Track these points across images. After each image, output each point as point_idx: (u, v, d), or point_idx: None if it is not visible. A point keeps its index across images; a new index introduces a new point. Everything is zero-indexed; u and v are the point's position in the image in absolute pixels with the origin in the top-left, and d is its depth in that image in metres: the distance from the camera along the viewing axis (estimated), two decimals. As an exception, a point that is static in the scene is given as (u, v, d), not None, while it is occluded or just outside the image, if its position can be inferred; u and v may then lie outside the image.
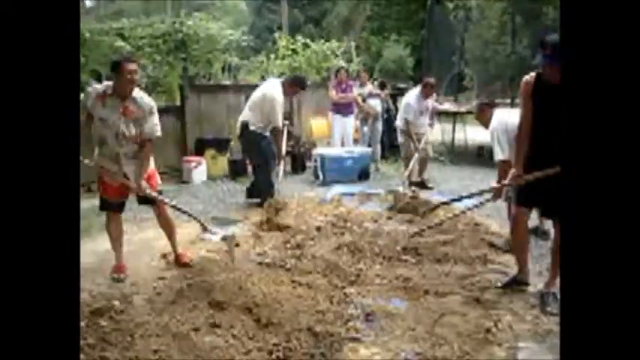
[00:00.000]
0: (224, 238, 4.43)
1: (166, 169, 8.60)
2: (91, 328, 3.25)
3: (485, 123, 4.87)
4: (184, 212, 4.48)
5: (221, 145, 8.69)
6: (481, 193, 4.69)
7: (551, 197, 3.48)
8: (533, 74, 3.56)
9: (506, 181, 3.95)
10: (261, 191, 6.34)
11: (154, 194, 4.25)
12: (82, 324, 3.27)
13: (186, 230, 5.51)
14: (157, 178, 4.49)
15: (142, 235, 5.32)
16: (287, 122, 6.85)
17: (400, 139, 7.71)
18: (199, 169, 8.41)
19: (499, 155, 4.51)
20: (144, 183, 4.17)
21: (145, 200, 4.38)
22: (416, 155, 7.30)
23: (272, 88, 6.25)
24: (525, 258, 3.93)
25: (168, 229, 4.54)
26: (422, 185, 7.57)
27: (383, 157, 9.70)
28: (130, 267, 4.41)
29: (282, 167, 6.57)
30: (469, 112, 11.08)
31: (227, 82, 10.65)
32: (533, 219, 4.95)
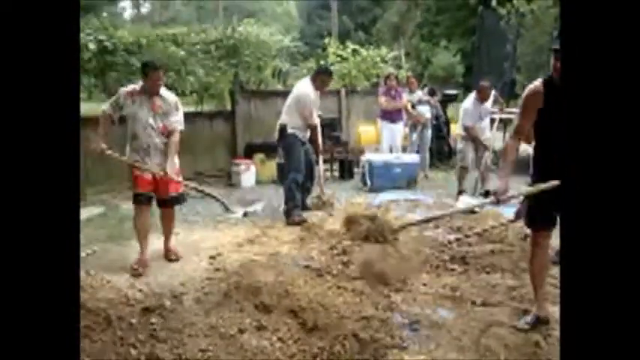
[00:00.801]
0: (245, 214, 4.55)
1: (215, 172, 8.78)
2: (142, 325, 3.34)
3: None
4: (207, 194, 4.76)
5: (270, 150, 8.79)
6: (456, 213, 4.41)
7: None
8: (539, 81, 3.24)
9: (488, 200, 3.55)
10: (286, 202, 6.13)
11: (181, 180, 4.67)
12: (134, 320, 3.37)
13: (233, 233, 5.61)
14: (180, 184, 4.74)
15: (192, 237, 5.44)
16: (321, 114, 6.70)
17: (460, 145, 7.60)
18: (248, 173, 8.53)
19: None
20: (169, 169, 4.50)
21: (161, 203, 4.71)
22: (486, 154, 7.23)
23: (302, 87, 6.30)
24: (544, 291, 3.60)
25: (169, 228, 4.87)
26: (488, 195, 7.45)
27: (431, 164, 9.61)
28: (179, 267, 4.53)
29: (321, 163, 6.51)
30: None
31: (277, 88, 10.78)
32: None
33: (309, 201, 6.55)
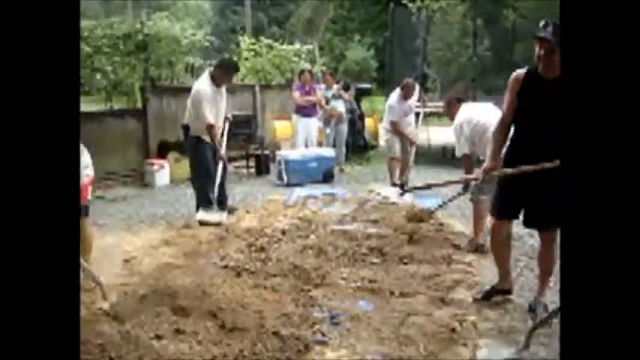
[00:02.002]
0: None
1: (128, 172, 8.47)
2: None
3: (453, 115, 5.06)
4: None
5: (184, 148, 8.56)
6: (446, 184, 4.80)
7: (531, 207, 3.48)
8: (523, 70, 3.45)
9: (473, 175, 3.99)
10: (199, 206, 5.83)
11: None
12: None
13: (147, 236, 5.44)
14: (87, 193, 4.24)
15: (102, 242, 5.17)
16: (229, 117, 6.11)
17: (386, 136, 7.70)
18: (162, 172, 8.29)
19: (464, 149, 4.71)
20: None
21: None
22: (413, 151, 7.44)
23: (198, 83, 5.77)
24: (507, 268, 3.81)
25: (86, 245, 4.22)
26: (402, 187, 7.60)
27: (347, 158, 9.72)
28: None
29: (219, 169, 5.85)
30: (432, 114, 11.19)
31: (190, 84, 10.53)
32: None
33: (230, 201, 6.36)
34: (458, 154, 4.83)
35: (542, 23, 3.26)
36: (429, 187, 4.83)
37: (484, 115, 4.72)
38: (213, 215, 5.75)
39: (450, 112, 5.13)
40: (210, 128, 5.61)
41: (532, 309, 3.55)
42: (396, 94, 7.45)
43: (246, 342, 3.14)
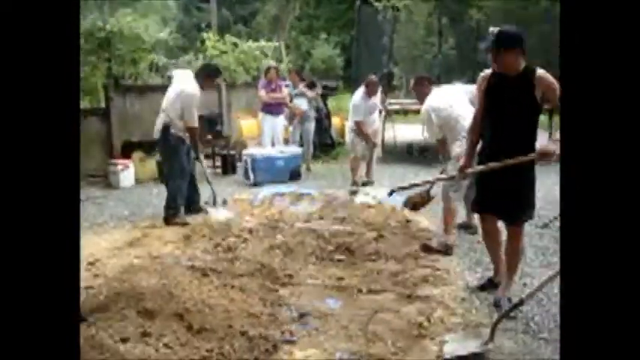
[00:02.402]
0: None
1: (92, 173, 8.31)
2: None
3: (421, 96, 5.10)
4: None
5: (149, 147, 8.42)
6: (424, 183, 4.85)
7: (504, 202, 3.57)
8: (489, 70, 3.58)
9: (445, 175, 4.12)
10: (168, 205, 5.81)
11: None
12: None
13: (112, 237, 5.35)
14: None
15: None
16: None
17: (350, 136, 7.69)
18: (126, 173, 8.15)
19: (439, 135, 4.84)
20: None
21: None
22: (378, 151, 7.52)
23: (188, 84, 5.76)
24: (500, 260, 3.87)
25: None
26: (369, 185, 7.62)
27: (314, 156, 9.72)
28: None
29: (205, 166, 6.07)
30: (398, 112, 11.27)
31: (154, 82, 10.37)
32: (462, 216, 5.11)
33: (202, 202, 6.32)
34: (431, 140, 4.93)
35: (489, 30, 3.45)
36: (412, 186, 4.82)
37: (454, 103, 4.77)
38: (223, 213, 5.93)
39: (419, 92, 5.18)
40: (194, 130, 5.78)
41: (497, 304, 3.61)
42: (360, 92, 7.46)
43: (214, 343, 3.11)
